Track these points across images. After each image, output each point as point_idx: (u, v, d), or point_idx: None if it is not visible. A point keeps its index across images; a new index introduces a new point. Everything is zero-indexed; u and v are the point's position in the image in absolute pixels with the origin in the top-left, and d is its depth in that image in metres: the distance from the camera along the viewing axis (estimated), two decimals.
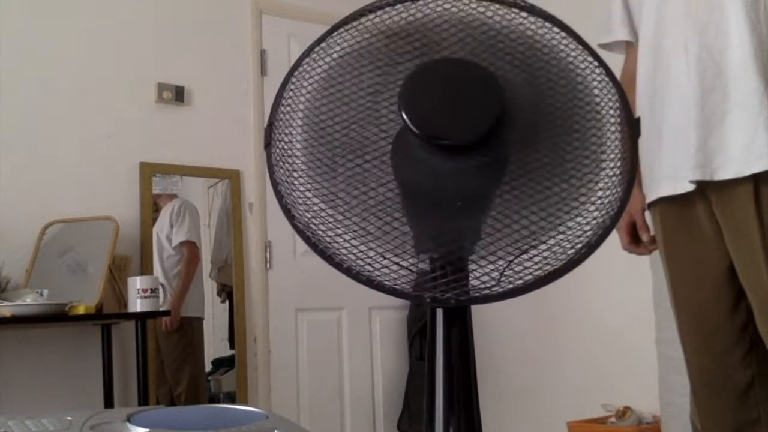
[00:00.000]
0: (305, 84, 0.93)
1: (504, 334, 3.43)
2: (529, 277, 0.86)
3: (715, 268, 1.53)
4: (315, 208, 0.88)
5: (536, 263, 0.86)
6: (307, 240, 0.86)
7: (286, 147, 0.90)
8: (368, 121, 0.91)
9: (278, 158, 0.88)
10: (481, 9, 0.95)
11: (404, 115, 0.85)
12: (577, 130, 0.93)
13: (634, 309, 2.79)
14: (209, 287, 3.43)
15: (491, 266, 0.87)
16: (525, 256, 0.87)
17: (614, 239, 1.61)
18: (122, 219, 2.93)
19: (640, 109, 1.64)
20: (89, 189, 3.01)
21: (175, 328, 3.23)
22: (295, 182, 0.88)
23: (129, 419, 0.89)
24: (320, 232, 0.88)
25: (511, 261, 0.87)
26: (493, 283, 0.86)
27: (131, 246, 3.05)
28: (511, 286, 0.86)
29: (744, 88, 1.42)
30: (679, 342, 1.64)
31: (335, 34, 0.95)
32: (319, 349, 3.52)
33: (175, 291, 3.23)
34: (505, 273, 0.86)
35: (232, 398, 3.32)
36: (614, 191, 0.89)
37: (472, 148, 0.86)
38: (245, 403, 3.05)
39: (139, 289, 2.68)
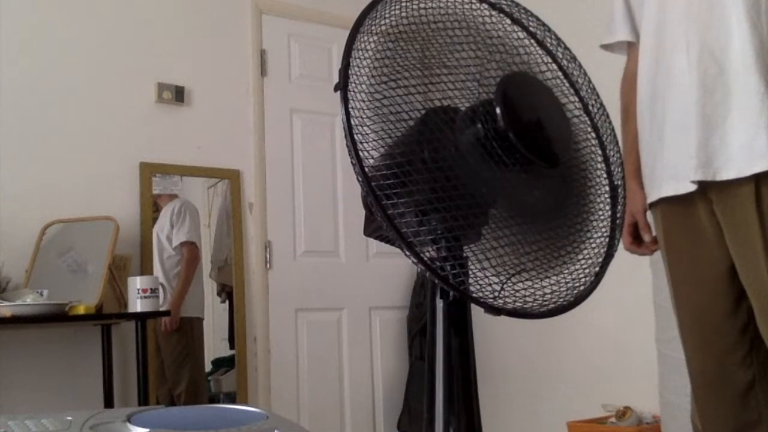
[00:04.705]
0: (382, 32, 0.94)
1: (504, 334, 3.43)
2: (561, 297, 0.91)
3: (716, 269, 1.52)
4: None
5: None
6: (372, 191, 0.86)
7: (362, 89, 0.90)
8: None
9: (354, 101, 0.89)
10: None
11: (499, 119, 0.86)
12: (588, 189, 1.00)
13: (634, 309, 2.79)
14: (209, 287, 3.43)
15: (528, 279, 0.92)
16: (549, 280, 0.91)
17: None
18: (122, 219, 2.93)
19: (642, 110, 1.64)
20: (89, 189, 3.01)
21: (175, 328, 3.22)
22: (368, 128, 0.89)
23: (129, 419, 0.89)
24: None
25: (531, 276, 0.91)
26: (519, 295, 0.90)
27: (131, 246, 3.05)
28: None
29: (745, 88, 1.42)
30: (680, 342, 1.64)
31: None
32: (319, 349, 3.52)
33: (174, 291, 3.23)
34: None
35: (232, 398, 3.32)
36: (605, 238, 0.95)
37: (536, 167, 0.89)
38: (245, 403, 3.04)
39: (139, 289, 2.67)
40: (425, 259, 0.86)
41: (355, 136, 0.86)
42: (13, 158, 2.88)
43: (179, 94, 3.25)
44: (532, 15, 1.06)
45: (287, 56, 3.61)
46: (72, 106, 3.02)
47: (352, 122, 0.87)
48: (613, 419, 2.78)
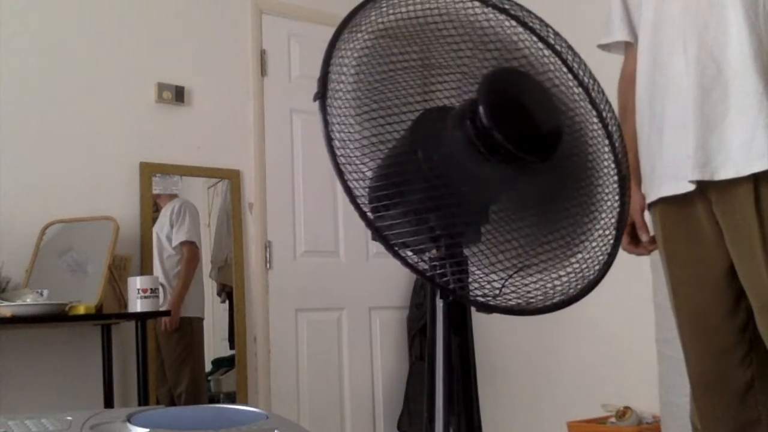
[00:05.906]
0: (362, 38, 0.93)
1: (504, 334, 3.43)
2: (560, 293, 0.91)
3: (715, 269, 1.53)
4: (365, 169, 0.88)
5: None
6: (353, 200, 0.86)
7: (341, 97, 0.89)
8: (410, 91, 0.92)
9: (333, 110, 0.88)
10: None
11: (483, 117, 0.86)
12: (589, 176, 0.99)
13: (634, 309, 2.79)
14: (209, 287, 3.43)
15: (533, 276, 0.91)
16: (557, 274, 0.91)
17: None
18: (122, 219, 2.93)
19: (640, 110, 1.64)
20: (89, 189, 3.01)
21: (175, 328, 3.23)
22: (351, 137, 0.89)
23: (129, 419, 0.89)
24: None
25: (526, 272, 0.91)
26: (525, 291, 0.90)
27: (131, 246, 3.05)
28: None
29: (743, 88, 1.42)
30: (679, 342, 1.64)
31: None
32: (319, 349, 3.52)
33: (174, 291, 3.23)
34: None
35: (232, 398, 3.32)
36: (610, 233, 0.94)
37: (526, 162, 0.89)
38: (245, 403, 3.05)
39: (139, 289, 2.68)
40: (411, 262, 0.86)
41: (334, 142, 0.86)
42: (13, 158, 2.88)
43: (179, 94, 3.25)
44: (525, 9, 1.05)
45: (287, 56, 3.61)
46: (72, 106, 3.02)
47: (332, 129, 0.87)
48: (613, 419, 2.79)
